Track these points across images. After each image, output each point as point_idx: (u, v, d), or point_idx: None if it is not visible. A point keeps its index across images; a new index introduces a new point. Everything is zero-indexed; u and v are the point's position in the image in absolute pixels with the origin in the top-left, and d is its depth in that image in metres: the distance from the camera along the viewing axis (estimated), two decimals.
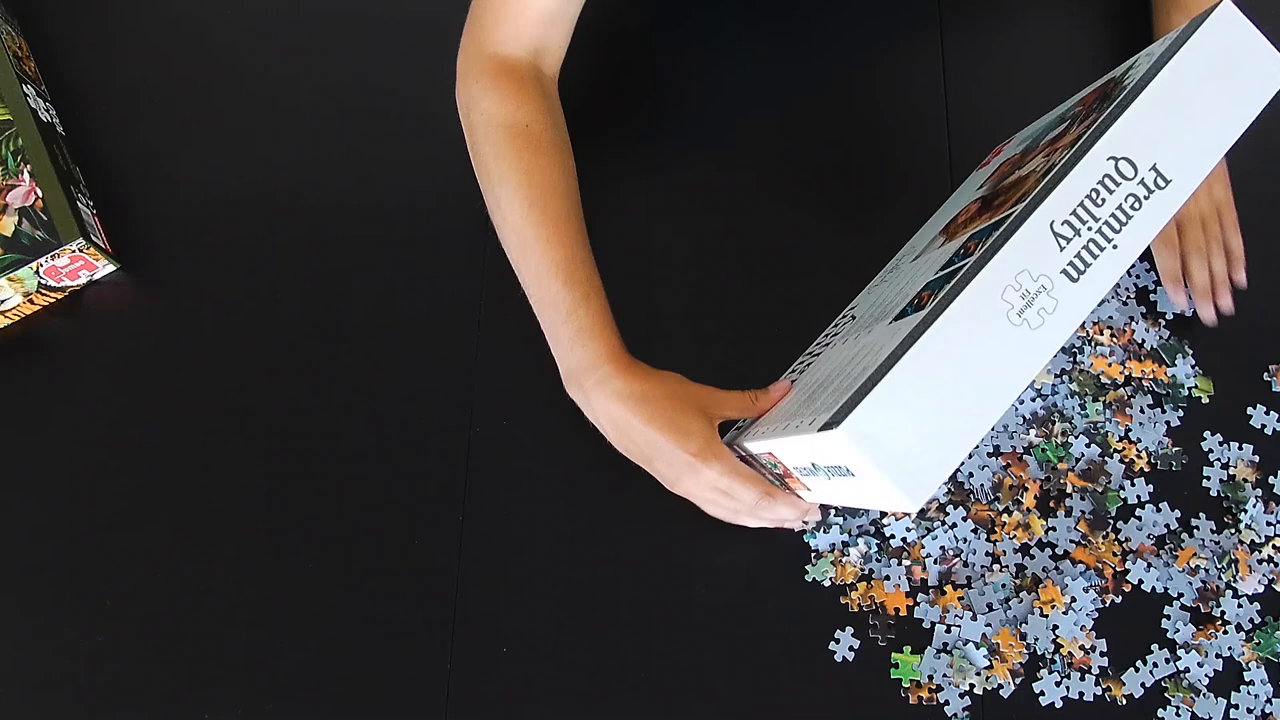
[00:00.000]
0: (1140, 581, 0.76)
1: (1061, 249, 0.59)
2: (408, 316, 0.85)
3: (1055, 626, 0.75)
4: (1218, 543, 0.76)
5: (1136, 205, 0.60)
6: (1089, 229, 0.59)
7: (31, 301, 0.86)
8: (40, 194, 0.84)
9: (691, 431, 0.69)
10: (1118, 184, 0.60)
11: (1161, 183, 0.60)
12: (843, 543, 0.77)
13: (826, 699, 0.75)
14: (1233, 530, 0.76)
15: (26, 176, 0.85)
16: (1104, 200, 0.59)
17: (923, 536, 0.77)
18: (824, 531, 0.77)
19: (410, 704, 0.76)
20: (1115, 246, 0.59)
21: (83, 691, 0.77)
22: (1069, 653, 0.74)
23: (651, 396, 0.70)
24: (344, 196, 0.89)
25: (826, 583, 0.76)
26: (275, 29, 0.95)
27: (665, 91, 0.91)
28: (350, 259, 0.87)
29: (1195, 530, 0.77)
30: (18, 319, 0.87)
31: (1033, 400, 0.80)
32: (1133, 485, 0.78)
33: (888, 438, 0.56)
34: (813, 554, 0.77)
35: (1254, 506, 0.76)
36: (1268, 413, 0.79)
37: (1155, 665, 0.74)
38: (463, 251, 0.87)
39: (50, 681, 0.77)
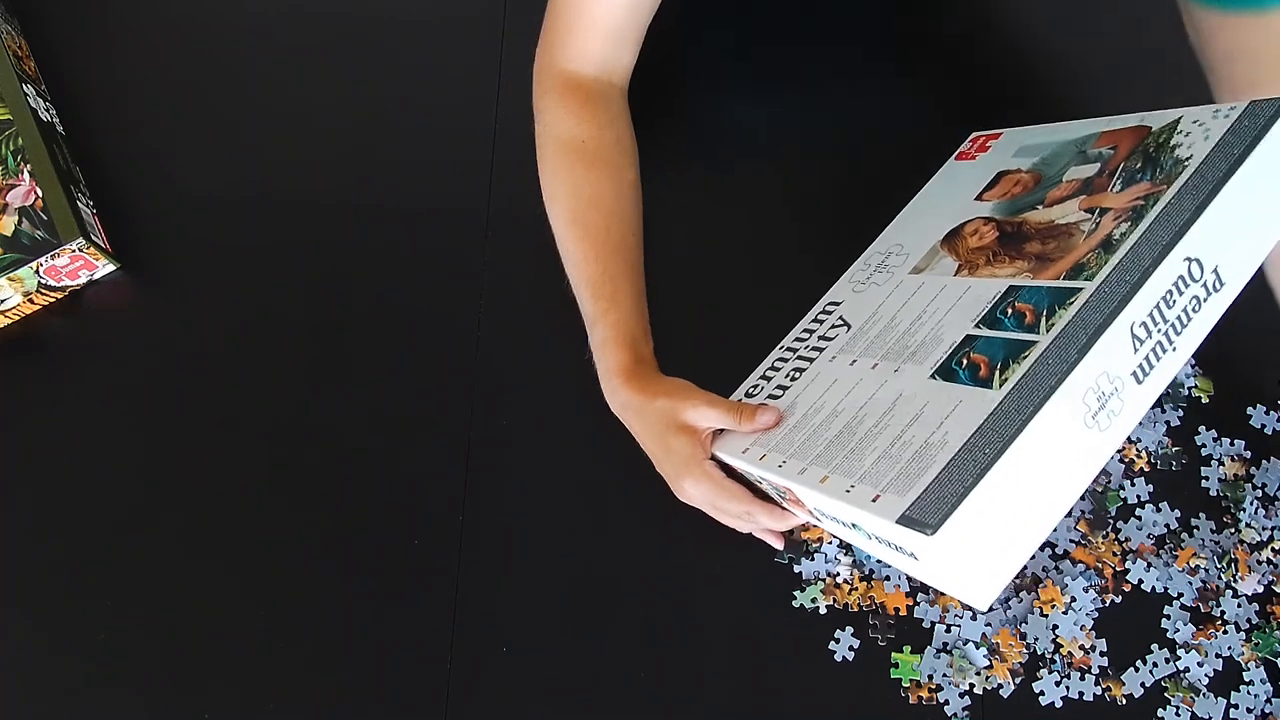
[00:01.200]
0: (1140, 581, 0.76)
1: (1135, 350, 0.58)
2: (408, 317, 0.85)
3: (1055, 626, 0.75)
4: (1217, 543, 0.76)
5: (1196, 307, 0.59)
6: (1159, 330, 0.58)
7: (31, 301, 0.86)
8: (40, 194, 0.84)
9: (673, 448, 0.71)
10: (1188, 285, 0.59)
11: (1218, 285, 0.59)
12: (829, 574, 0.77)
13: (826, 699, 0.75)
14: (1232, 530, 0.76)
15: (26, 176, 0.85)
16: (1175, 302, 0.58)
17: None
18: (810, 559, 0.77)
19: (410, 704, 0.76)
20: (1175, 349, 0.59)
21: (83, 690, 0.77)
22: (1069, 652, 0.74)
23: (645, 411, 0.72)
24: (344, 196, 0.89)
25: (823, 610, 0.76)
26: (275, 29, 0.95)
27: (659, 96, 0.90)
28: (350, 259, 0.87)
29: (1195, 530, 0.77)
30: (18, 319, 0.87)
31: None
32: (1132, 485, 0.78)
33: (973, 543, 0.55)
34: (801, 580, 0.77)
35: (1251, 505, 0.76)
36: (1268, 413, 0.79)
37: (1155, 665, 0.74)
38: (463, 252, 0.87)
39: (51, 680, 0.77)
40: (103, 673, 0.77)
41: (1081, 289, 0.59)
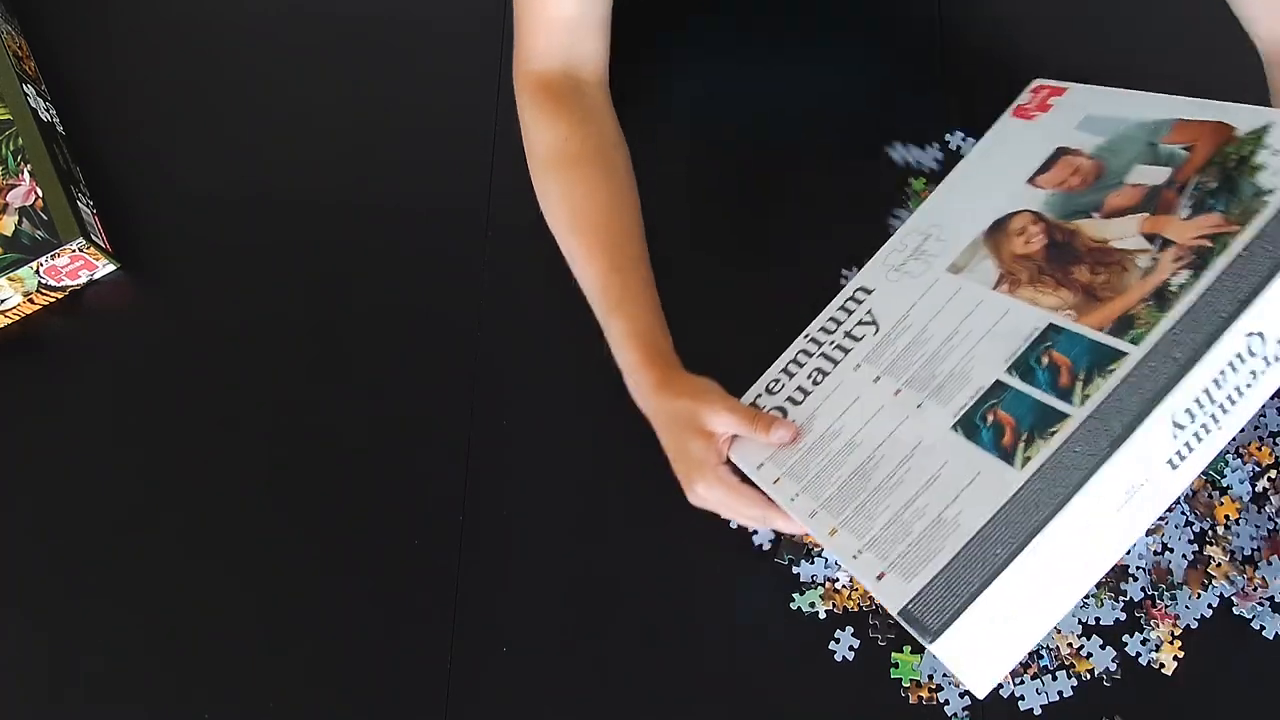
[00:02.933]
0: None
1: (1174, 438, 0.53)
2: (408, 317, 0.85)
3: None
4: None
5: (1251, 382, 0.53)
6: (1204, 413, 0.53)
7: (31, 301, 0.86)
8: (40, 194, 0.84)
9: (688, 450, 0.70)
10: (1244, 361, 0.52)
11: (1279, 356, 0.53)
12: (828, 579, 0.77)
13: (826, 699, 0.75)
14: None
15: (26, 176, 0.85)
16: (1226, 381, 0.52)
17: None
18: (810, 562, 0.77)
19: (410, 704, 0.76)
20: (1220, 428, 0.53)
21: (83, 690, 0.77)
22: (1066, 648, 0.74)
23: (664, 410, 0.71)
24: (344, 196, 0.89)
25: (821, 615, 0.76)
26: (275, 29, 0.95)
27: (635, 81, 0.91)
28: (350, 259, 0.87)
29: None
30: (18, 319, 0.87)
31: None
32: None
33: (977, 643, 0.52)
34: (800, 583, 0.77)
35: (1233, 473, 0.77)
36: None
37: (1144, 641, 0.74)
38: (463, 252, 0.87)
39: (51, 680, 0.77)
40: (102, 672, 0.77)
41: (1125, 356, 0.54)
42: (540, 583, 0.78)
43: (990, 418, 0.58)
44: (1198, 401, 0.53)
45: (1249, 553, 0.75)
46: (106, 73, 0.94)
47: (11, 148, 0.86)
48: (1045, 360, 0.58)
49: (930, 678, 0.74)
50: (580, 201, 0.77)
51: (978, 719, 0.73)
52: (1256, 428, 0.78)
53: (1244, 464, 0.77)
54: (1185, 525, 0.76)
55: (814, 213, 0.87)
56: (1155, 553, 0.76)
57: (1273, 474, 0.77)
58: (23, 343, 0.86)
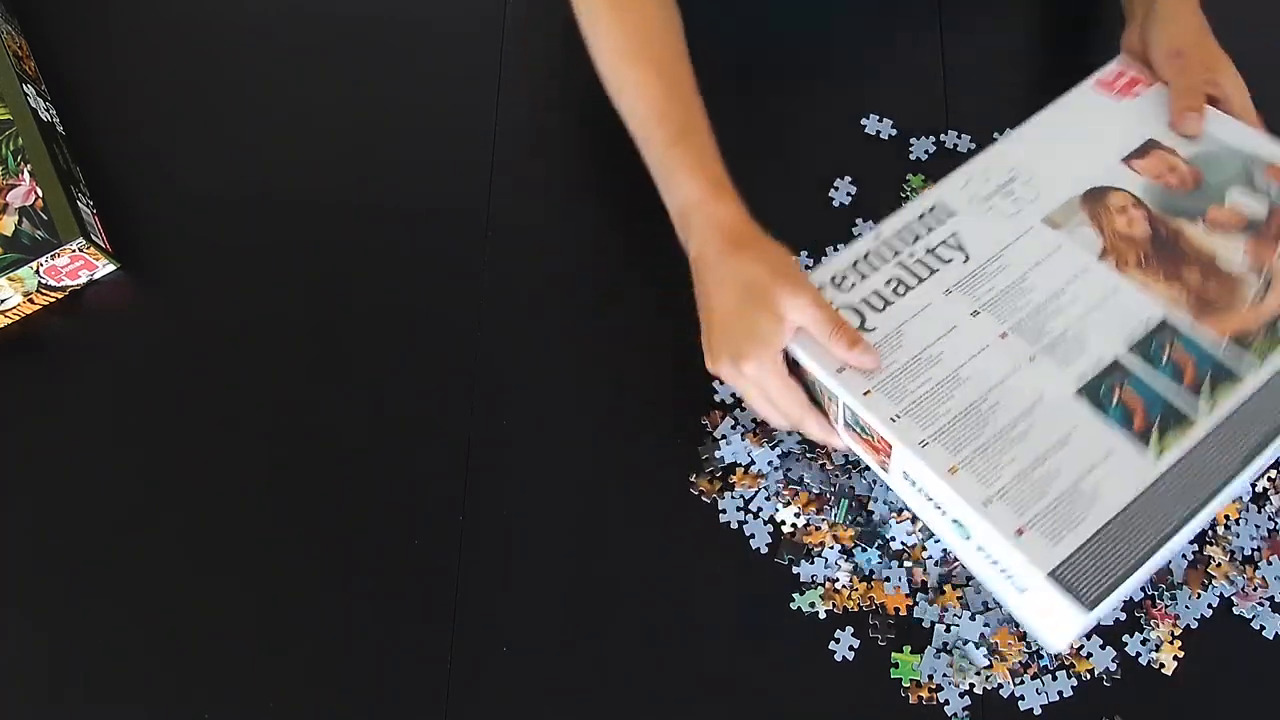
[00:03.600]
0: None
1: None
2: (408, 317, 0.85)
3: None
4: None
5: None
6: None
7: (31, 301, 0.86)
8: (40, 194, 0.84)
9: (754, 328, 0.64)
10: None
11: None
12: (828, 579, 0.77)
13: (826, 699, 0.75)
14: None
15: (26, 176, 0.85)
16: None
17: (925, 539, 0.77)
18: (810, 563, 0.77)
19: (410, 704, 0.76)
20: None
21: (83, 690, 0.77)
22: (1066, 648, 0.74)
23: (730, 267, 0.65)
24: (344, 196, 0.89)
25: (821, 615, 0.76)
26: (275, 29, 0.95)
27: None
28: (350, 259, 0.87)
29: None
30: (18, 319, 0.87)
31: None
32: None
33: (1099, 609, 0.54)
34: (800, 583, 0.77)
35: None
36: None
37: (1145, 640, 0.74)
38: (463, 251, 0.87)
39: (51, 680, 0.77)
40: (103, 673, 0.77)
41: (1245, 378, 0.59)
42: (540, 583, 0.78)
43: (1116, 395, 0.60)
44: None
45: (1249, 553, 0.75)
46: (106, 73, 0.94)
47: (11, 148, 0.86)
48: (1167, 354, 0.61)
49: (930, 678, 0.74)
50: (633, 30, 0.72)
51: (978, 719, 0.73)
52: None
53: None
54: None
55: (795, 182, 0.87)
56: None
57: (1273, 474, 0.77)
58: (23, 343, 0.86)
